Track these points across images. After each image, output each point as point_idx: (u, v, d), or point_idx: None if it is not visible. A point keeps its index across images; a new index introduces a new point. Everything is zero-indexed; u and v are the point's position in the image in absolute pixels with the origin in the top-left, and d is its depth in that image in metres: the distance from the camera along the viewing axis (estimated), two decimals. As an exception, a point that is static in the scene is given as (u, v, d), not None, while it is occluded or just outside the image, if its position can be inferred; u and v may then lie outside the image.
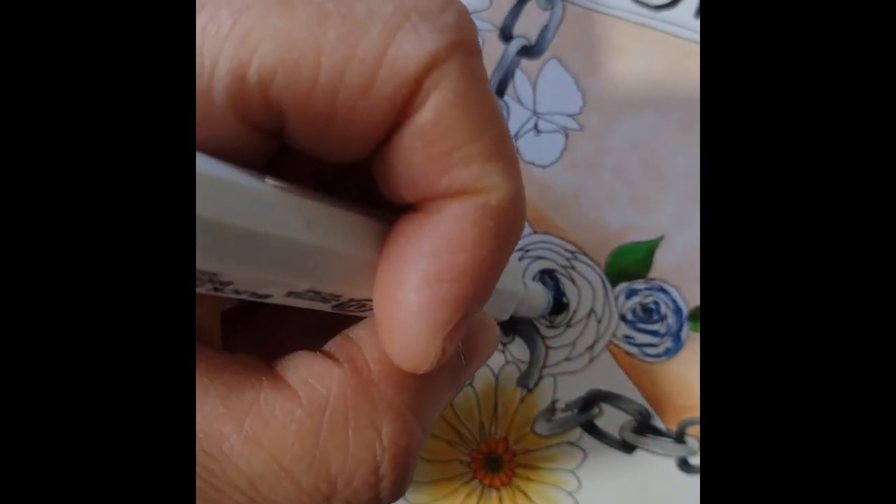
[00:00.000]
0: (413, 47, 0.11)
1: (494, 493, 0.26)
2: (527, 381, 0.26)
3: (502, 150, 0.13)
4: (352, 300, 0.14)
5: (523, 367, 0.26)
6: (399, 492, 0.14)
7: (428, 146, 0.12)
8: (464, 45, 0.12)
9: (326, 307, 0.14)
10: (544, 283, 0.26)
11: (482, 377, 0.26)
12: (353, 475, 0.13)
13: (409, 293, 0.13)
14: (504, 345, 0.26)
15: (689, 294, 0.25)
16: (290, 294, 0.13)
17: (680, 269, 0.26)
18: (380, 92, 0.12)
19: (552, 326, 0.26)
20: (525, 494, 0.26)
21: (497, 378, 0.26)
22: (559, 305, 0.26)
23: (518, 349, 0.26)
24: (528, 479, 0.26)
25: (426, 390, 0.14)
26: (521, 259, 0.26)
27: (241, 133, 0.12)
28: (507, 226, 0.13)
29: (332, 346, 0.14)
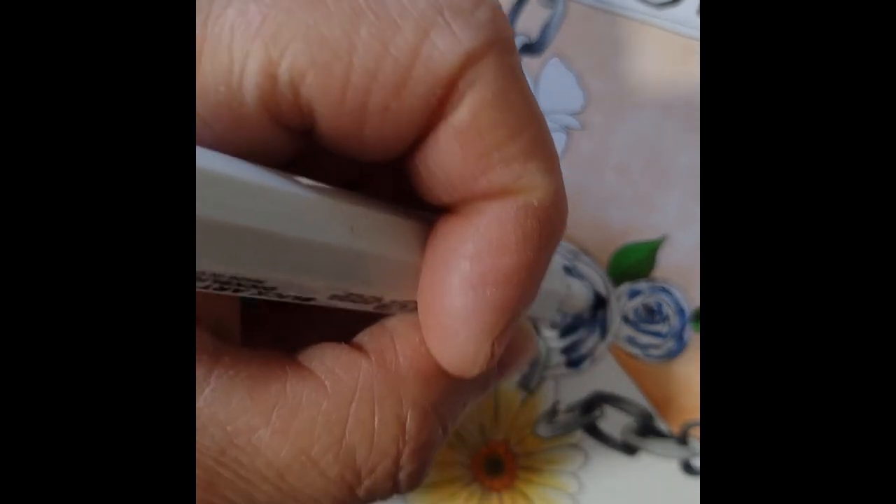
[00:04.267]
0: (448, 46, 0.11)
1: (495, 496, 0.26)
2: (528, 383, 0.26)
3: (542, 148, 0.12)
4: (394, 301, 0.14)
5: (524, 368, 0.26)
6: (415, 483, 0.14)
7: (465, 147, 0.12)
8: (499, 42, 0.12)
9: (368, 308, 0.14)
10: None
11: (483, 379, 0.26)
12: (376, 466, 0.13)
13: (455, 298, 0.12)
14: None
15: (692, 294, 0.25)
16: (333, 297, 0.13)
17: (683, 269, 0.25)
18: (413, 92, 0.11)
19: (553, 327, 0.26)
20: (526, 497, 0.26)
21: (498, 379, 0.26)
22: (599, 300, 0.25)
23: (519, 350, 0.26)
24: (530, 481, 0.26)
25: (453, 391, 0.14)
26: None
27: (271, 133, 0.12)
28: (550, 225, 0.12)
29: (364, 335, 0.14)
